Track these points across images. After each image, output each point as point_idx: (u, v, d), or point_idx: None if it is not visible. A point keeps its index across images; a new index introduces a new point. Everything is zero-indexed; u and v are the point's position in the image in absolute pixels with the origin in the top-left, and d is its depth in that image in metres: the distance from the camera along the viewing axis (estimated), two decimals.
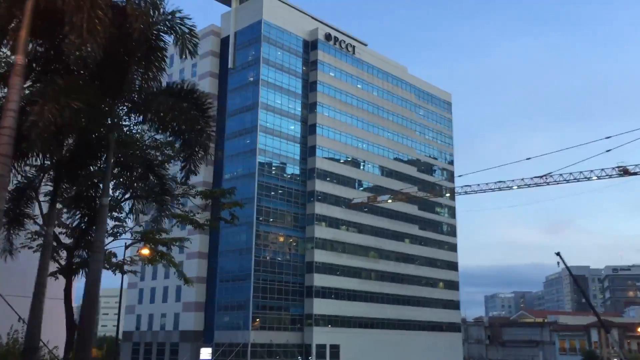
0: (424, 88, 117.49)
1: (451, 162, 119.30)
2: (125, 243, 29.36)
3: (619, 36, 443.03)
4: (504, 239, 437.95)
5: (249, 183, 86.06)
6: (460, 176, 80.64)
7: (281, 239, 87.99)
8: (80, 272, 21.37)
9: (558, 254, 75.14)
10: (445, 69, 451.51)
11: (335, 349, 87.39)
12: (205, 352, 68.71)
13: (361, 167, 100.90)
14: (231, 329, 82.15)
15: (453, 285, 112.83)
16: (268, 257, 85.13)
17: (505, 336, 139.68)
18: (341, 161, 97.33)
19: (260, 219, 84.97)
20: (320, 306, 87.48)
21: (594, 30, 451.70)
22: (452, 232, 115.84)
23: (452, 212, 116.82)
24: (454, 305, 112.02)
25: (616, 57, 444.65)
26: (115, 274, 25.16)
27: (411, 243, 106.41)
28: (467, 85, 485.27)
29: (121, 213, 22.41)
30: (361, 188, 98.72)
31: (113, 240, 22.96)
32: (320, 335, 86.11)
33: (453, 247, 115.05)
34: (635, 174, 65.95)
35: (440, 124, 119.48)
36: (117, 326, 39.13)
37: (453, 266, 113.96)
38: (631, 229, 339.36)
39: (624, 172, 66.16)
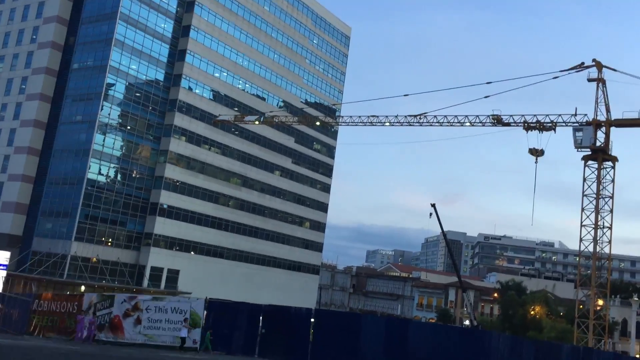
0: (322, 15, 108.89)
1: (339, 99, 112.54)
2: None
3: (545, 28, 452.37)
4: (401, 204, 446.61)
5: (98, 76, 74.61)
6: (335, 105, 73.46)
7: (129, 146, 77.77)
8: None
9: (433, 205, 71.97)
10: (360, 22, 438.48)
11: (173, 274, 79.68)
12: (2, 257, 58.70)
13: (238, 85, 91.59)
14: (52, 237, 71.95)
15: (319, 227, 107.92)
16: (109, 164, 74.87)
17: (369, 287, 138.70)
18: (215, 74, 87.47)
19: (106, 119, 74.13)
20: (164, 226, 78.95)
21: (524, 18, 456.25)
22: (328, 172, 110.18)
23: (331, 151, 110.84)
24: (317, 246, 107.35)
25: (534, 47, 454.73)
26: None
27: (281, 176, 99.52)
28: (376, 41, 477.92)
29: None
30: (235, 108, 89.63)
31: None
32: (158, 257, 77.92)
33: (326, 188, 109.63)
34: (508, 124, 61.69)
35: (334, 58, 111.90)
36: None
37: (323, 207, 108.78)
38: (516, 208, 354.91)
39: (497, 120, 61.76)
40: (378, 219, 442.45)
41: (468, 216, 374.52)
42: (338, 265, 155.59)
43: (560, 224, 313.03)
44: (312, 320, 26.96)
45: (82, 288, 67.33)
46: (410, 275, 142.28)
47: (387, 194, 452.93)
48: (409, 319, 37.25)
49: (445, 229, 79.14)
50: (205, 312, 28.27)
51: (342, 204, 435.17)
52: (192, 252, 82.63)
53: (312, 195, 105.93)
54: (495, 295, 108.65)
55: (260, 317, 27.66)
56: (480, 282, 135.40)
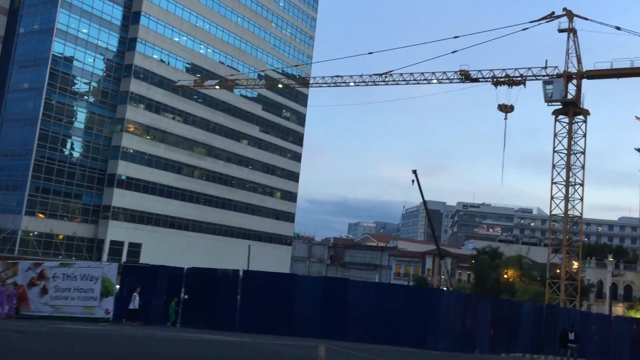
0: None
1: (308, 65, 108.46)
2: None
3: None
4: (385, 177, 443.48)
5: (45, 41, 70.06)
6: (298, 66, 69.89)
7: (82, 115, 73.63)
8: None
9: (414, 172, 70.08)
10: None
11: (135, 247, 76.31)
12: None
13: (199, 50, 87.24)
14: (1, 212, 68.06)
15: (291, 197, 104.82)
16: (60, 133, 70.75)
17: (346, 257, 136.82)
18: (173, 38, 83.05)
19: (55, 85, 69.81)
20: (123, 198, 75.33)
21: None
22: (298, 140, 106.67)
23: (301, 119, 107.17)
24: (289, 217, 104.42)
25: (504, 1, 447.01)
26: None
27: (249, 145, 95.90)
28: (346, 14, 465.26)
29: None
30: (198, 75, 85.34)
31: None
32: (118, 231, 74.44)
33: (297, 157, 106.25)
34: (476, 80, 58.65)
35: (302, 21, 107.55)
36: None
37: (294, 177, 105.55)
38: (497, 178, 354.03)
39: (465, 77, 58.66)
40: (362, 192, 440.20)
41: (450, 187, 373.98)
42: (316, 237, 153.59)
43: (539, 192, 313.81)
44: (241, 283, 23.99)
45: None
46: (388, 245, 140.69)
47: (371, 167, 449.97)
48: (347, 278, 34.54)
49: (426, 199, 77.35)
50: (119, 278, 25.18)
51: (326, 178, 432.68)
52: (154, 225, 79.23)
53: (282, 165, 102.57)
54: (473, 261, 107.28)
55: (183, 282, 24.63)
56: (458, 249, 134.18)
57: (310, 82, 68.12)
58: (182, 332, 22.33)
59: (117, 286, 25.03)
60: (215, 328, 23.25)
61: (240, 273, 24.52)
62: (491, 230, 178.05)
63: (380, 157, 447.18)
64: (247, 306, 23.63)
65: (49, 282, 25.23)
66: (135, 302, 25.24)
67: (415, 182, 70.35)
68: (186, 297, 24.32)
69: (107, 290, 24.57)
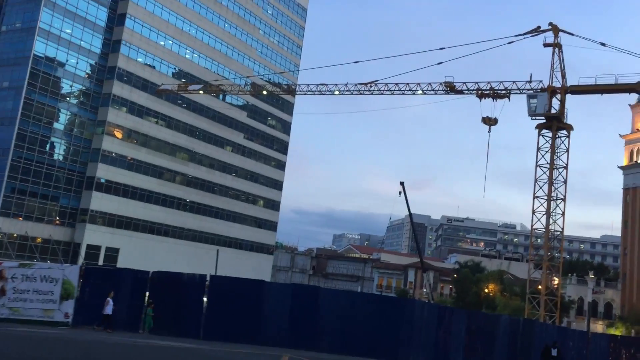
0: None
1: (295, 73, 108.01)
2: None
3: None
4: (371, 190, 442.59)
5: (26, 39, 68.95)
6: (283, 73, 69.43)
7: (62, 116, 72.46)
8: None
9: (402, 183, 70.34)
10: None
11: (113, 252, 74.93)
12: None
13: (185, 55, 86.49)
14: None
15: (274, 205, 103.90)
16: (39, 134, 69.47)
17: (329, 268, 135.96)
18: (159, 42, 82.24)
19: (35, 85, 68.64)
20: (102, 202, 74.04)
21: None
22: (283, 148, 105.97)
23: (286, 127, 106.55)
24: (271, 226, 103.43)
25: (491, 15, 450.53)
26: None
27: (233, 152, 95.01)
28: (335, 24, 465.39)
29: None
30: (183, 79, 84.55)
31: None
32: (95, 235, 73.09)
33: (281, 166, 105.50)
34: (461, 92, 58.45)
35: (290, 30, 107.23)
36: None
37: (277, 185, 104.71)
38: (482, 194, 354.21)
39: (450, 88, 58.49)
40: (348, 204, 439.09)
41: (434, 201, 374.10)
42: (300, 248, 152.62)
43: (523, 208, 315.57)
44: (207, 288, 23.15)
45: None
46: (371, 257, 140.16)
47: (358, 179, 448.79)
48: (318, 286, 33.83)
49: (412, 212, 77.42)
50: (80, 280, 24.20)
51: (313, 189, 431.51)
52: (133, 230, 77.91)
53: (266, 173, 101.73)
54: (455, 275, 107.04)
55: (148, 286, 23.71)
56: (441, 263, 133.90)
57: (297, 89, 67.51)
58: (141, 339, 21.41)
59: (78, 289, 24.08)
60: (179, 335, 22.35)
61: (208, 278, 23.74)
62: (474, 244, 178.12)
63: (367, 168, 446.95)
64: (213, 313, 22.78)
65: (7, 283, 24.20)
66: (108, 308, 24.23)
67: (402, 193, 70.70)
68: (151, 301, 23.44)
69: (68, 293, 23.61)
